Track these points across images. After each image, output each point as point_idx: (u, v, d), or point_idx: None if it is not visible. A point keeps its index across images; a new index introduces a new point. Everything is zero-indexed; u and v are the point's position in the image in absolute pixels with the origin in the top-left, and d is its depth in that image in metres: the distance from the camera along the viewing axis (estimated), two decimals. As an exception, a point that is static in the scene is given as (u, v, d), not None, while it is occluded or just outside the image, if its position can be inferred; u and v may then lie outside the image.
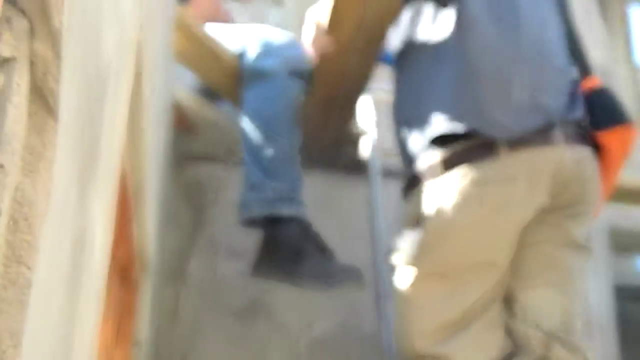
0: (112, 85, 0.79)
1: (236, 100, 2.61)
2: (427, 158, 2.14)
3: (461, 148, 2.10)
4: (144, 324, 1.87)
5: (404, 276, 2.15)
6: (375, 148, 2.82)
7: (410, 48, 2.31)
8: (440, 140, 2.12)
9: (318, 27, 2.34)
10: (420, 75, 2.24)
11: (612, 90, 2.37)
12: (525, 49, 2.18)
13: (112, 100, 0.80)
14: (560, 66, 2.24)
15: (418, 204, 2.14)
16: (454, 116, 2.10)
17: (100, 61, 0.68)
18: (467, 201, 2.06)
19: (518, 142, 2.08)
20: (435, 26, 2.25)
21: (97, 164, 0.72)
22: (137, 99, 1.11)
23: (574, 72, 2.30)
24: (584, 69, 2.34)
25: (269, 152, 2.45)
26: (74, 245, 0.63)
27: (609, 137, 2.24)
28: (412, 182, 2.20)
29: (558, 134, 2.12)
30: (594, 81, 2.34)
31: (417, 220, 2.14)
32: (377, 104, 2.97)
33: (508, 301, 2.16)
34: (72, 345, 0.67)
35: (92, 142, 0.68)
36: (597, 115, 2.25)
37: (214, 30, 2.56)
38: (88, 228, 0.70)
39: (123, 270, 1.70)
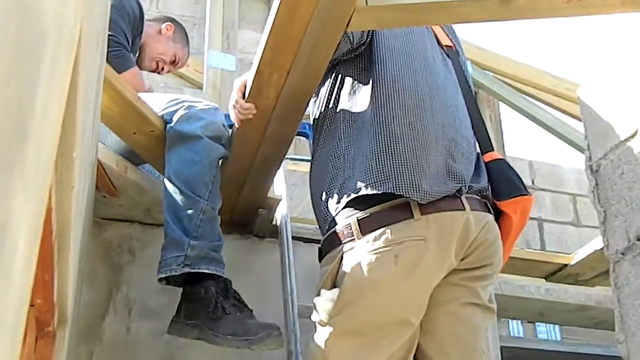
0: (49, 66, 0.55)
1: (159, 162, 2.34)
2: (345, 219, 1.94)
3: (376, 210, 1.92)
4: (59, 381, 1.54)
5: (321, 334, 1.92)
6: (286, 215, 2.62)
7: (330, 116, 2.11)
8: (357, 203, 1.92)
9: (240, 93, 2.12)
10: (341, 142, 2.04)
11: (510, 164, 2.23)
12: (440, 120, 2.02)
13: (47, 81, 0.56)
14: (468, 137, 2.11)
15: (335, 264, 1.93)
16: (373, 180, 1.91)
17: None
18: (382, 260, 1.86)
19: (430, 206, 1.90)
20: (354, 96, 2.08)
21: (24, 152, 0.48)
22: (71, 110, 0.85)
23: (477, 145, 2.18)
24: (485, 144, 2.21)
25: (190, 212, 2.18)
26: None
27: (509, 207, 2.11)
28: (329, 244, 1.99)
29: (465, 200, 1.97)
30: (494, 155, 2.21)
31: (334, 280, 1.93)
32: (289, 174, 2.79)
33: (419, 358, 1.96)
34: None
35: (21, 107, 0.44)
36: (499, 185, 2.12)
37: (141, 96, 2.31)
38: (9, 222, 0.45)
39: (41, 320, 1.39)
